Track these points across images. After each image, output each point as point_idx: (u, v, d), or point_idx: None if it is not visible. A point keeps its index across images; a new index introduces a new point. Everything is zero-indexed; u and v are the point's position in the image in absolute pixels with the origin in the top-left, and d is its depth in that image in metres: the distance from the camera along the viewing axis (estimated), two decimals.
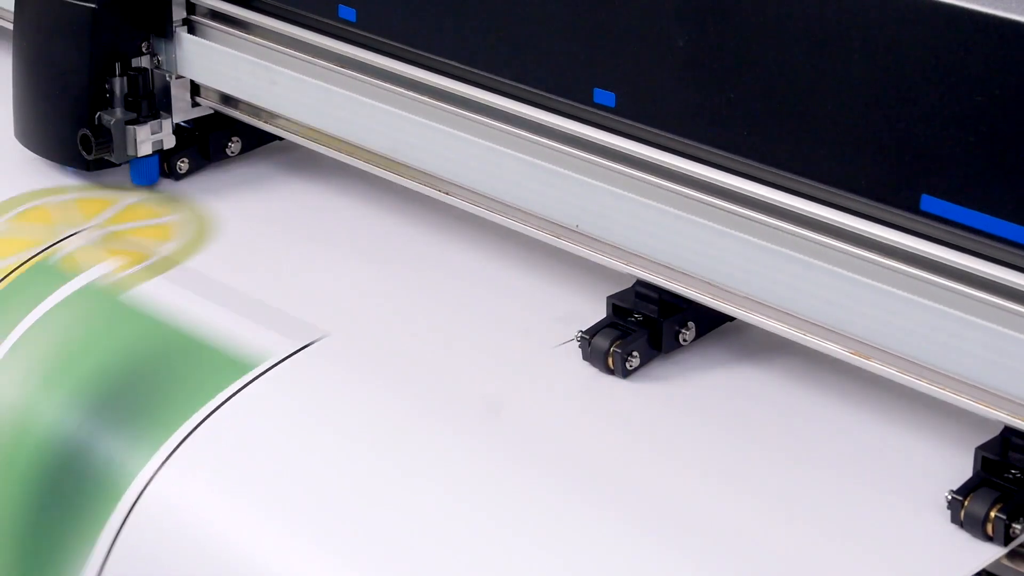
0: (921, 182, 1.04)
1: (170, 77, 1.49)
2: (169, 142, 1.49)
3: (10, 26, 1.52)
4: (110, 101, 1.47)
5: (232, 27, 1.47)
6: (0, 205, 1.47)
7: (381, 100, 1.35)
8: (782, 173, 1.12)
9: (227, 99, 1.49)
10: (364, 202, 1.46)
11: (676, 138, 1.17)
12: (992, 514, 1.03)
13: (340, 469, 1.15)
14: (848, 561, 1.04)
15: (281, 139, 1.51)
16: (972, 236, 1.03)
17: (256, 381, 1.21)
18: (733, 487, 1.11)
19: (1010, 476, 1.05)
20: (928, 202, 1.04)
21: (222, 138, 1.52)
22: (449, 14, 1.29)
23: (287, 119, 1.45)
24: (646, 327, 1.21)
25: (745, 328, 1.22)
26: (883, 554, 1.04)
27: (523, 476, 1.12)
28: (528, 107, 1.25)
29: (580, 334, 1.22)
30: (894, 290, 1.06)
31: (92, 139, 1.46)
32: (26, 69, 1.50)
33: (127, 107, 1.47)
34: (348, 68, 1.38)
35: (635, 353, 1.20)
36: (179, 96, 1.49)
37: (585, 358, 1.22)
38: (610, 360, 1.20)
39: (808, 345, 1.13)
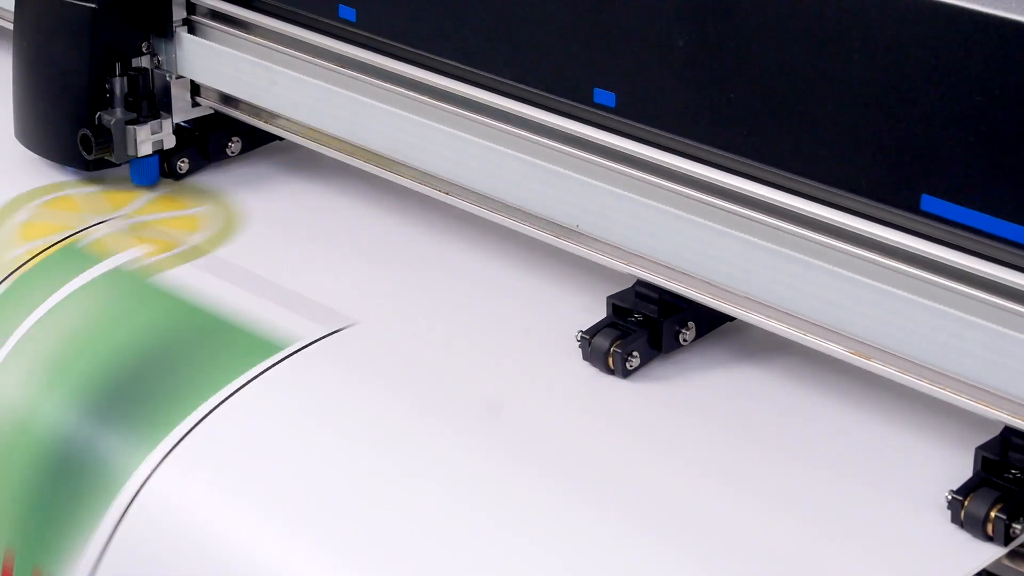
0: (921, 182, 1.04)
1: (170, 77, 1.49)
2: (169, 142, 1.49)
3: (10, 26, 1.52)
4: (110, 101, 1.47)
5: (232, 27, 1.47)
6: (28, 193, 1.48)
7: (381, 100, 1.35)
8: (782, 173, 1.12)
9: (227, 99, 1.49)
10: (364, 202, 1.46)
11: (676, 138, 1.17)
12: (992, 514, 1.03)
13: (340, 469, 1.15)
14: (848, 561, 1.04)
15: (281, 139, 1.51)
16: (972, 236, 1.03)
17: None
18: (733, 487, 1.11)
19: (1010, 476, 1.05)
20: (928, 202, 1.04)
21: (222, 138, 1.52)
22: (449, 14, 1.29)
23: (287, 119, 1.45)
24: (646, 327, 1.21)
25: (745, 328, 1.22)
26: (883, 554, 1.04)
27: (523, 476, 1.12)
28: (528, 107, 1.25)
29: (580, 334, 1.22)
30: (894, 290, 1.06)
31: (92, 139, 1.46)
32: (26, 69, 1.50)
33: (127, 107, 1.47)
34: (348, 68, 1.38)
35: (635, 353, 1.20)
36: (179, 96, 1.49)
37: (585, 358, 1.22)
38: (610, 360, 1.20)
39: (808, 345, 1.13)
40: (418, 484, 1.12)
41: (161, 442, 1.18)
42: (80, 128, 1.46)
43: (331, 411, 1.20)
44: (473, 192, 1.31)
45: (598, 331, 1.21)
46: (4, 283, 1.36)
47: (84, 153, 1.47)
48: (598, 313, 1.24)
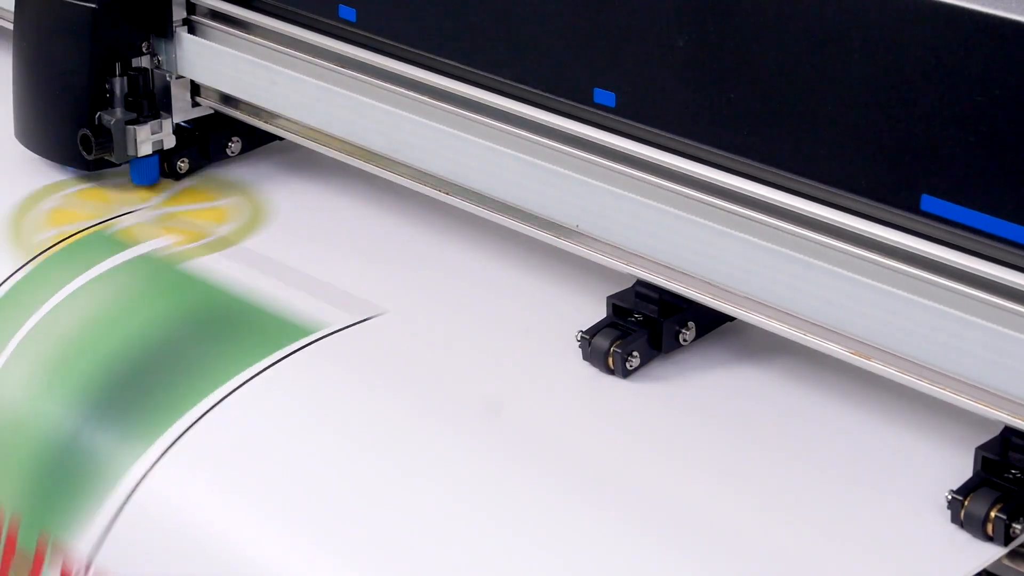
0: (921, 182, 1.04)
1: (170, 77, 1.49)
2: (169, 142, 1.49)
3: (10, 26, 1.52)
4: (110, 101, 1.47)
5: (232, 27, 1.47)
6: (55, 184, 1.49)
7: (381, 100, 1.35)
8: (782, 173, 1.12)
9: (227, 99, 1.49)
10: (364, 202, 1.46)
11: (676, 138, 1.17)
12: (992, 514, 1.04)
13: (340, 468, 1.15)
14: (848, 561, 1.04)
15: (281, 139, 1.51)
16: (972, 236, 1.03)
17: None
18: (733, 487, 1.11)
19: (1010, 476, 1.05)
20: (928, 202, 1.04)
21: (222, 138, 1.52)
22: (449, 14, 1.29)
23: (287, 119, 1.45)
24: (646, 327, 1.21)
25: (745, 328, 1.22)
26: (883, 554, 1.04)
27: (523, 476, 1.12)
28: (528, 107, 1.25)
29: (580, 334, 1.22)
30: (894, 290, 1.06)
31: (92, 139, 1.46)
32: (26, 69, 1.50)
33: (127, 107, 1.47)
34: (348, 68, 1.38)
35: (635, 353, 1.20)
36: (179, 96, 1.49)
37: (585, 358, 1.22)
38: (610, 360, 1.20)
39: (808, 345, 1.13)
40: (418, 484, 1.12)
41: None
42: (80, 128, 1.46)
43: (331, 410, 1.20)
44: (473, 192, 1.31)
45: (598, 331, 1.21)
46: (31, 263, 1.37)
47: (84, 153, 1.47)
48: (598, 313, 1.24)
